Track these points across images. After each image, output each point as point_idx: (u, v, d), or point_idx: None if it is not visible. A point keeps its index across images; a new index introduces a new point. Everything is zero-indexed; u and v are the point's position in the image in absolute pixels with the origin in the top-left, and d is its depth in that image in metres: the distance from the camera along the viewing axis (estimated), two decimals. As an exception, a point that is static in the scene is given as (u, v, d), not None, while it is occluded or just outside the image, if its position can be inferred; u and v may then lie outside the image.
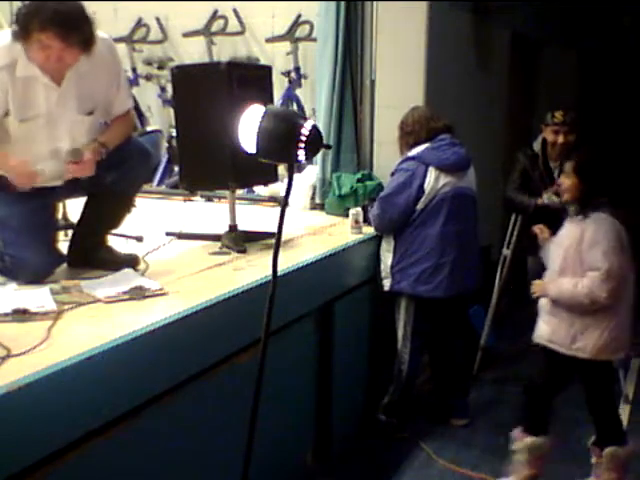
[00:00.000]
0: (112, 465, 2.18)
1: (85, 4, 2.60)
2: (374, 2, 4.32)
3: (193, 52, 5.94)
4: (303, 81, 5.59)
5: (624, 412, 4.02)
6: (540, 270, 4.25)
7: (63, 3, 2.52)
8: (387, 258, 3.68)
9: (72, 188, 2.94)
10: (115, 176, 2.87)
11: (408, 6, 4.22)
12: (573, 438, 3.76)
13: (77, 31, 2.52)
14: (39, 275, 2.73)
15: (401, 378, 3.73)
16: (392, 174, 3.67)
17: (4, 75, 2.60)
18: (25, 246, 2.71)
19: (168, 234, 3.55)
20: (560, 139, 4.01)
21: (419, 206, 3.55)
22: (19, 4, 2.58)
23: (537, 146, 4.15)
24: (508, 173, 4.32)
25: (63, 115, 2.75)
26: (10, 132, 2.71)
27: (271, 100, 3.78)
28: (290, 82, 5.55)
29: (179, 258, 3.31)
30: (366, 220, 3.89)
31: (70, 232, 3.23)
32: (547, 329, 3.10)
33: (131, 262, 2.99)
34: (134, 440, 2.26)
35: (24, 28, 2.51)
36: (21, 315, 2.33)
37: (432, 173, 3.54)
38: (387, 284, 3.69)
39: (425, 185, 3.53)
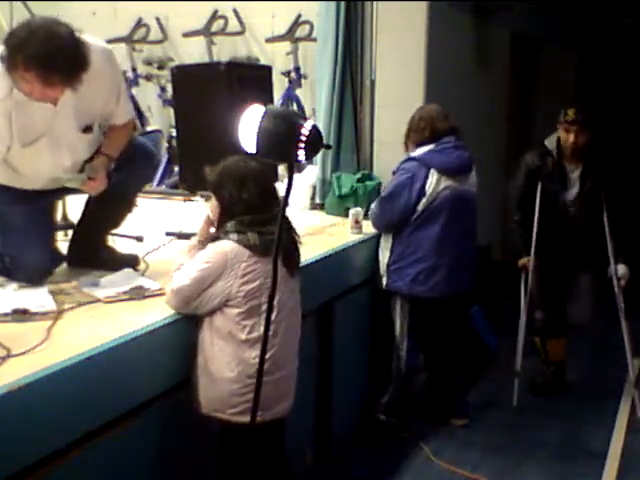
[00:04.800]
0: (112, 465, 2.18)
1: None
2: (374, 2, 4.32)
3: (193, 52, 5.94)
4: (303, 81, 5.59)
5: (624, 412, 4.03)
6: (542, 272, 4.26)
7: (50, 38, 2.34)
8: (384, 257, 3.68)
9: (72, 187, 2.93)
10: (119, 177, 2.85)
11: (408, 6, 4.22)
12: (573, 437, 3.78)
13: (59, 72, 2.37)
14: (39, 275, 2.72)
15: (399, 377, 3.73)
16: (393, 173, 3.66)
17: (6, 104, 2.52)
18: (25, 246, 2.70)
19: (168, 234, 3.54)
20: (571, 138, 3.82)
21: (419, 207, 3.53)
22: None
23: (551, 145, 3.95)
24: (510, 172, 4.27)
25: (63, 133, 2.69)
26: (14, 161, 2.66)
27: (271, 100, 3.78)
28: (290, 82, 5.55)
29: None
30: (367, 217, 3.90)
31: (70, 232, 3.23)
32: None
33: (131, 262, 2.99)
34: (134, 440, 2.26)
35: (10, 62, 2.38)
36: (21, 315, 2.33)
37: (434, 175, 3.51)
38: (384, 282, 3.70)
39: (426, 187, 3.51)
